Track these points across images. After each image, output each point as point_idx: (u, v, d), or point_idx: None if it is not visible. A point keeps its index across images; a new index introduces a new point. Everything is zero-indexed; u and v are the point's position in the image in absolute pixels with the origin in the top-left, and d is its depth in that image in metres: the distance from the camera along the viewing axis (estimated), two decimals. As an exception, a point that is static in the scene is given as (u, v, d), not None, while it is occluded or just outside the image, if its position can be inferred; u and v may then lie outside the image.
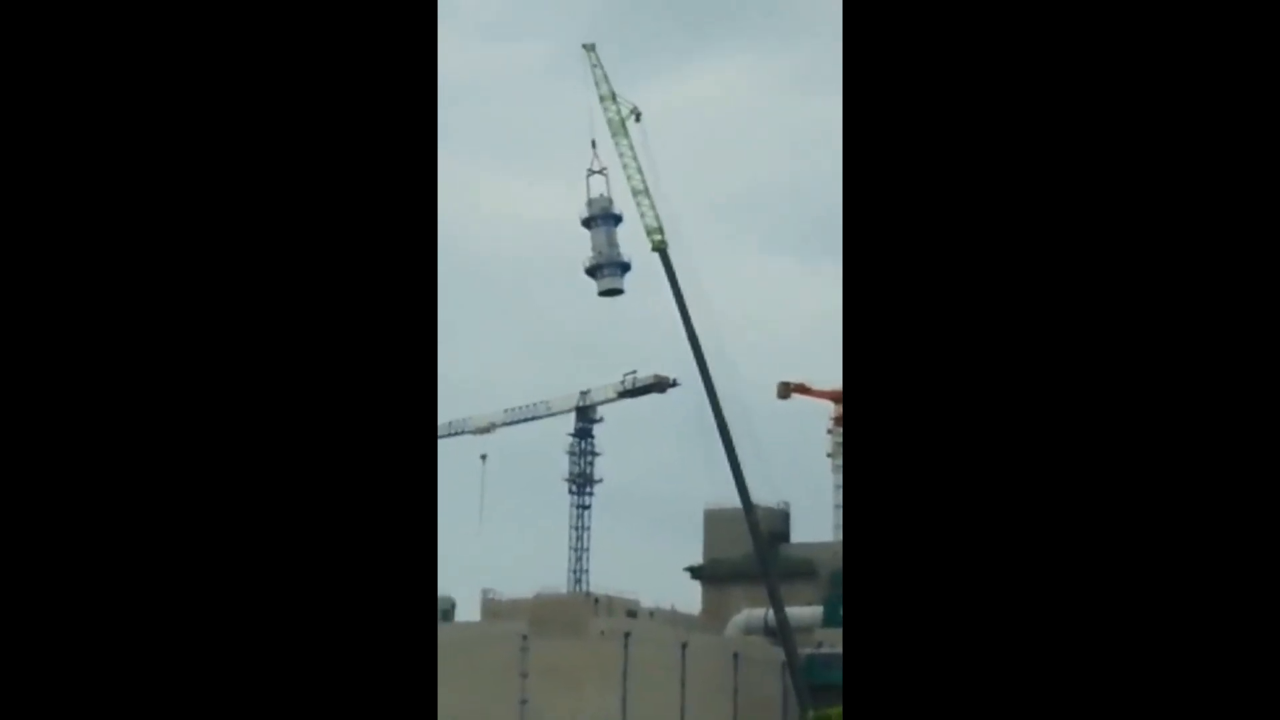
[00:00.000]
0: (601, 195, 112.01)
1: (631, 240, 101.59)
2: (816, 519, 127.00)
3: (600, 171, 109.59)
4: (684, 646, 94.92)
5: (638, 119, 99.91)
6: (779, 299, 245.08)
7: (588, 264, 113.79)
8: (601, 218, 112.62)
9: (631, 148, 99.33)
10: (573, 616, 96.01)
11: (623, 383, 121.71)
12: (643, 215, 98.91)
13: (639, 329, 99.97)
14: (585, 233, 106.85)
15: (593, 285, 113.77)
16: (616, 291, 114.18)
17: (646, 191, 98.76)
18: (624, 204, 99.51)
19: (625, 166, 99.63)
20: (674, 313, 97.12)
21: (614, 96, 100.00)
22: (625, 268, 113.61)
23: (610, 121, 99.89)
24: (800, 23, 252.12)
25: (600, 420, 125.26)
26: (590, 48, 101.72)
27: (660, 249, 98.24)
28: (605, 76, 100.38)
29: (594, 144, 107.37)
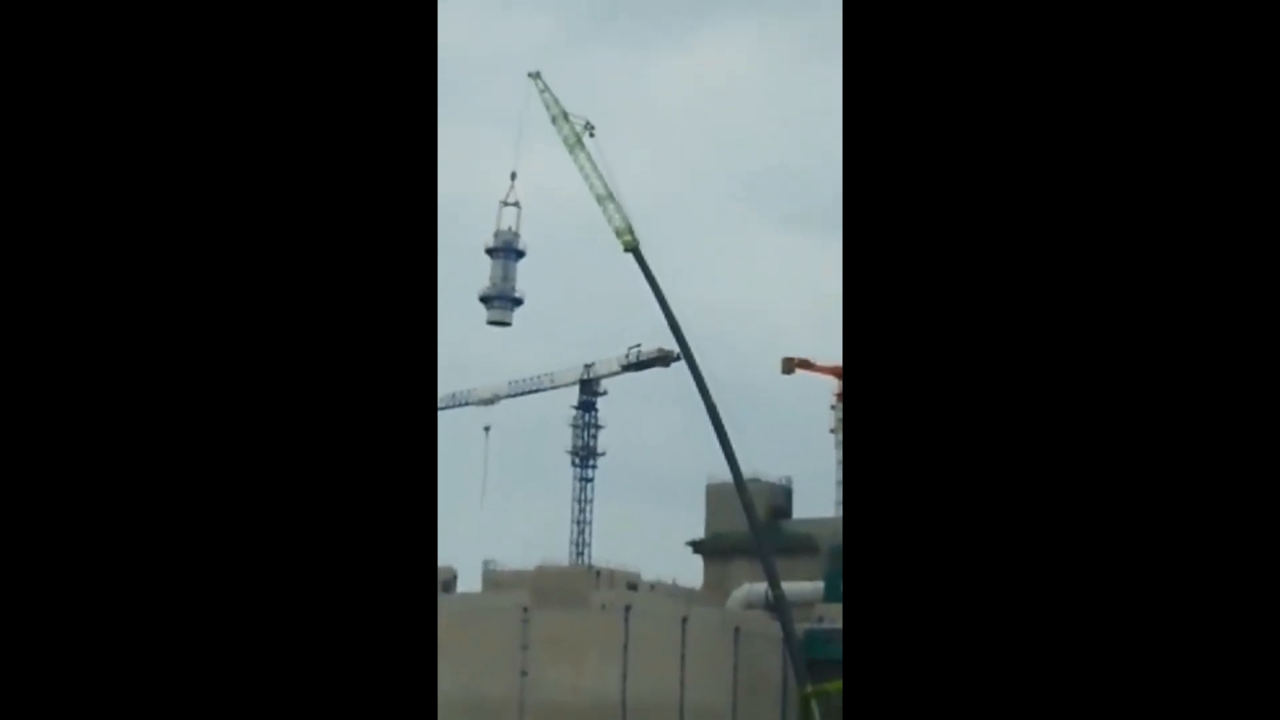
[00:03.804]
0: (509, 229, 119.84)
1: (603, 245, 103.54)
2: (819, 494, 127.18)
3: (514, 204, 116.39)
4: (685, 620, 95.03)
5: (591, 134, 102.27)
6: (790, 273, 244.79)
7: (482, 293, 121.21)
8: (504, 250, 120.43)
9: (590, 159, 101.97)
10: (574, 589, 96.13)
11: (626, 356, 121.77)
12: (610, 220, 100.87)
13: (644, 304, 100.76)
14: (592, 206, 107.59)
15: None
16: (504, 324, 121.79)
17: (611, 196, 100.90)
18: (591, 212, 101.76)
19: (587, 178, 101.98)
20: (670, 302, 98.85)
21: (565, 116, 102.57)
22: (517, 303, 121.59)
23: (565, 139, 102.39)
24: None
25: (604, 393, 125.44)
26: (535, 75, 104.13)
27: (632, 248, 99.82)
28: (554, 99, 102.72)
29: (514, 176, 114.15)
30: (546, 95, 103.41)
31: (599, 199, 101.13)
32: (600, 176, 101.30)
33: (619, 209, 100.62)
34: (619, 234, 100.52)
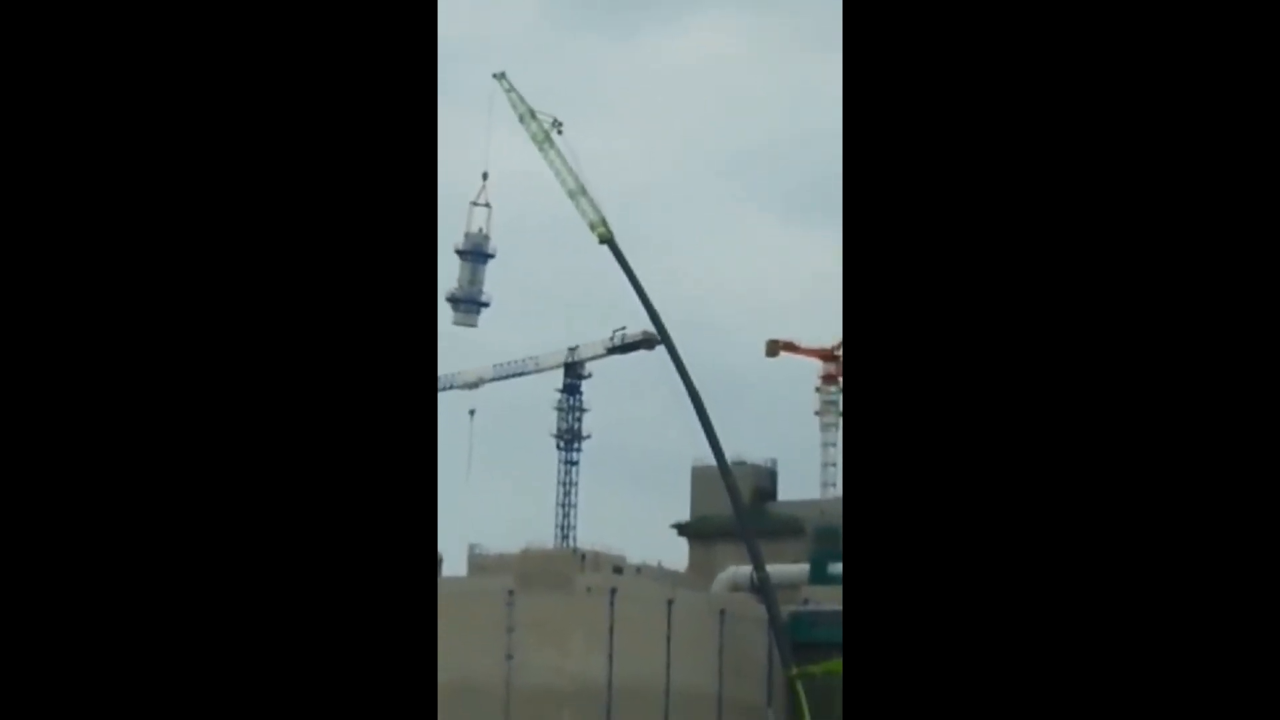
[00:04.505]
0: (480, 230, 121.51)
1: (576, 241, 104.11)
2: (804, 476, 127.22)
3: (485, 205, 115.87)
4: (670, 603, 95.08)
5: (560, 131, 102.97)
6: (778, 253, 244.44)
7: (448, 294, 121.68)
8: (473, 253, 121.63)
9: (560, 155, 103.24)
10: (559, 572, 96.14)
11: (611, 339, 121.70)
12: (584, 214, 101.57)
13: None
14: (578, 193, 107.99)
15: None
16: (469, 326, 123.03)
17: (583, 190, 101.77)
18: (563, 208, 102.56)
19: (558, 174, 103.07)
20: (652, 283, 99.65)
21: (533, 114, 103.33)
22: (483, 305, 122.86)
23: (534, 136, 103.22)
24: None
25: (589, 376, 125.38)
26: (500, 76, 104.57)
27: (606, 240, 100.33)
28: (520, 98, 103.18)
29: (485, 176, 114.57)
30: (513, 95, 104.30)
31: (571, 194, 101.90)
32: (571, 172, 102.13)
33: (591, 202, 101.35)
34: (593, 227, 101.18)
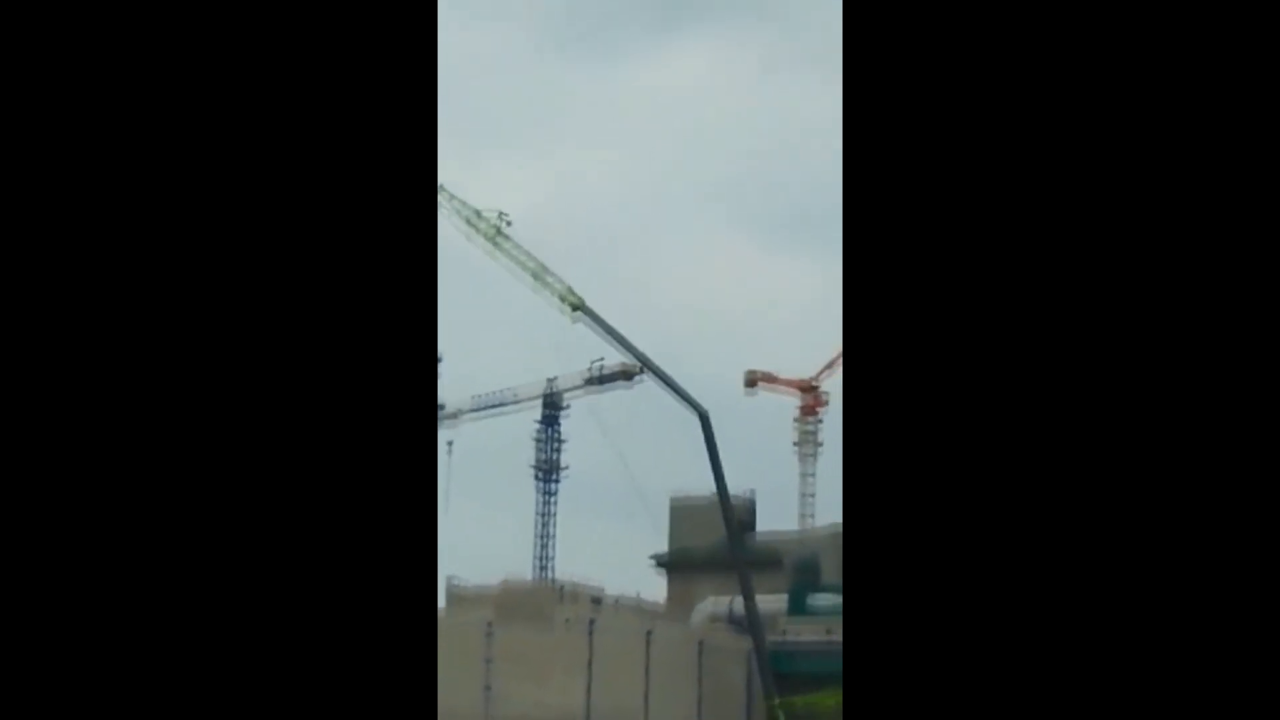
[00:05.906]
0: None
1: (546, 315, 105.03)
2: (782, 508, 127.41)
3: None
4: (649, 635, 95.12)
5: (508, 223, 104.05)
6: (759, 284, 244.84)
7: None
8: None
9: (515, 245, 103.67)
10: (538, 605, 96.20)
11: (590, 370, 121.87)
12: (551, 290, 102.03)
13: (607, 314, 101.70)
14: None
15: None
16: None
17: (544, 269, 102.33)
18: (524, 293, 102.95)
19: (516, 262, 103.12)
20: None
21: (479, 214, 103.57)
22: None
23: (484, 233, 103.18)
24: (765, 6, 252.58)
25: (567, 408, 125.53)
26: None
27: (577, 307, 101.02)
28: (463, 203, 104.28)
29: None
30: (455, 202, 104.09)
31: (534, 276, 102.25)
32: (529, 256, 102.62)
33: (555, 277, 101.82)
34: (562, 299, 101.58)
